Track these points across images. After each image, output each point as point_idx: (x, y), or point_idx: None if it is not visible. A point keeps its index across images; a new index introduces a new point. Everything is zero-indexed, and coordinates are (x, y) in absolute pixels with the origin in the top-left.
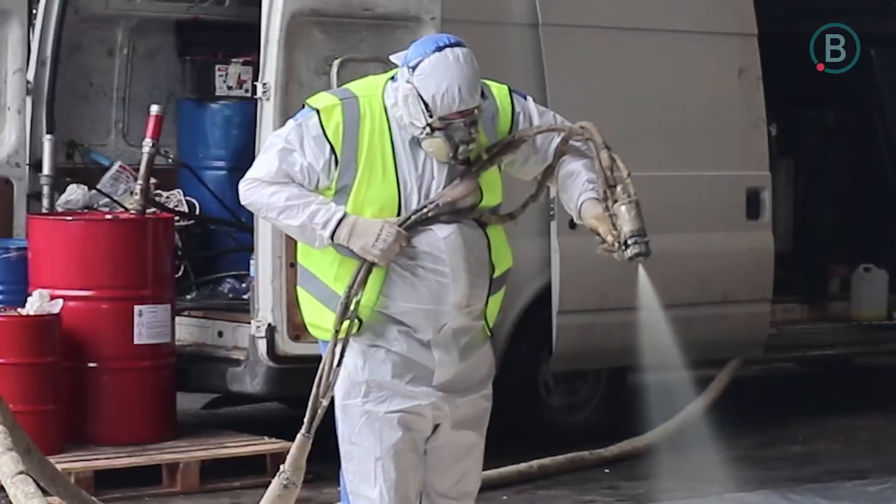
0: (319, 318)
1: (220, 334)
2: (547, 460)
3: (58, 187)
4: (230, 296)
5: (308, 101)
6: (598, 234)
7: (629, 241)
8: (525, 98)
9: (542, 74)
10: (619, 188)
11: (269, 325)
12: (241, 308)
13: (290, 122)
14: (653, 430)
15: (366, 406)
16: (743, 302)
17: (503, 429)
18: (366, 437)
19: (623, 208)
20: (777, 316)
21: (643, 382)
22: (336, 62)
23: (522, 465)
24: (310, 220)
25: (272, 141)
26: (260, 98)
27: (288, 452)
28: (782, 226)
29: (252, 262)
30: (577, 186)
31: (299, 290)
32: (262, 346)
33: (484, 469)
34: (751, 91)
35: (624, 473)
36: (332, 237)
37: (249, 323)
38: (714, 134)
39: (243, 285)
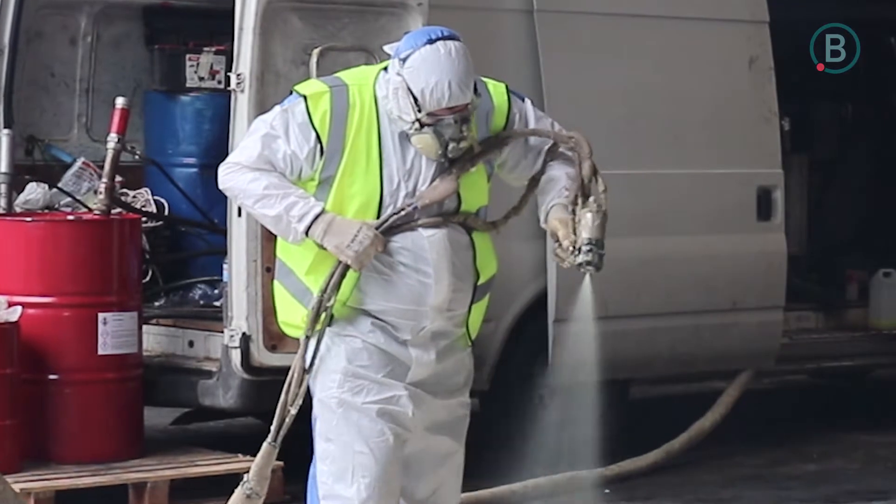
0: (291, 315)
1: (191, 344)
2: (542, 479)
3: (16, 186)
4: (201, 303)
5: (296, 87)
6: (557, 238)
7: (583, 248)
8: (523, 100)
9: (537, 65)
10: (591, 198)
11: (244, 334)
12: (213, 316)
13: (276, 108)
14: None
15: (342, 396)
16: (753, 309)
17: (496, 445)
18: (344, 430)
19: (589, 216)
20: (790, 324)
21: (646, 396)
22: (316, 51)
23: (516, 485)
24: (286, 212)
25: (256, 125)
26: (234, 90)
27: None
28: (796, 227)
29: (225, 266)
30: (552, 191)
31: (275, 284)
32: (235, 356)
33: (476, 488)
34: (762, 82)
35: (625, 494)
36: (306, 232)
37: (222, 332)
38: (722, 129)
39: (216, 291)
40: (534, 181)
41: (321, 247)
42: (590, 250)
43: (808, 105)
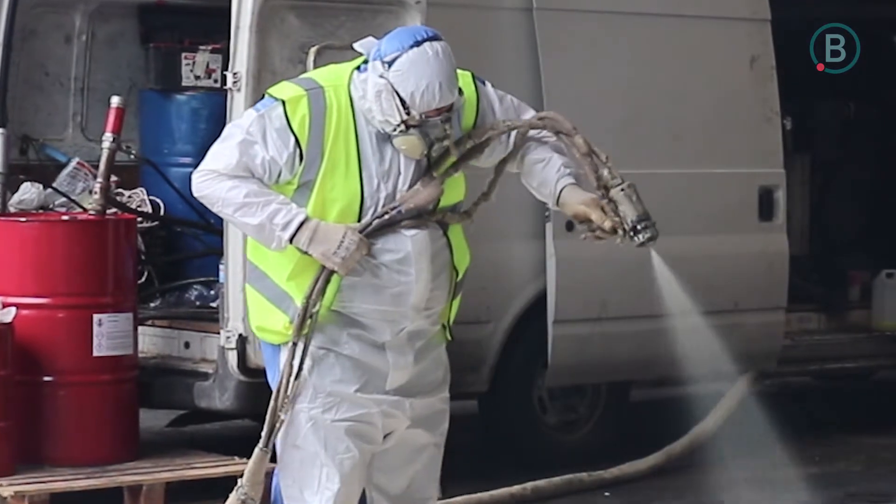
0: (267, 320)
1: (187, 345)
2: (542, 482)
3: (10, 186)
4: (198, 303)
5: (270, 90)
6: (588, 221)
7: (638, 227)
8: (483, 84)
9: (536, 63)
10: (605, 172)
11: (240, 335)
12: (209, 317)
13: (251, 112)
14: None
15: (312, 412)
16: (755, 310)
17: (495, 448)
18: (311, 442)
19: (622, 194)
20: (792, 326)
21: (646, 398)
22: (313, 50)
23: (515, 488)
24: (269, 221)
25: (231, 131)
26: (230, 89)
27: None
28: (797, 228)
29: (221, 266)
30: (552, 172)
31: (247, 288)
32: (232, 358)
33: (474, 491)
34: (764, 81)
35: (625, 497)
36: (291, 240)
37: (218, 333)
38: (724, 128)
39: (212, 292)
40: (501, 164)
41: (304, 253)
42: (645, 227)
43: (810, 104)
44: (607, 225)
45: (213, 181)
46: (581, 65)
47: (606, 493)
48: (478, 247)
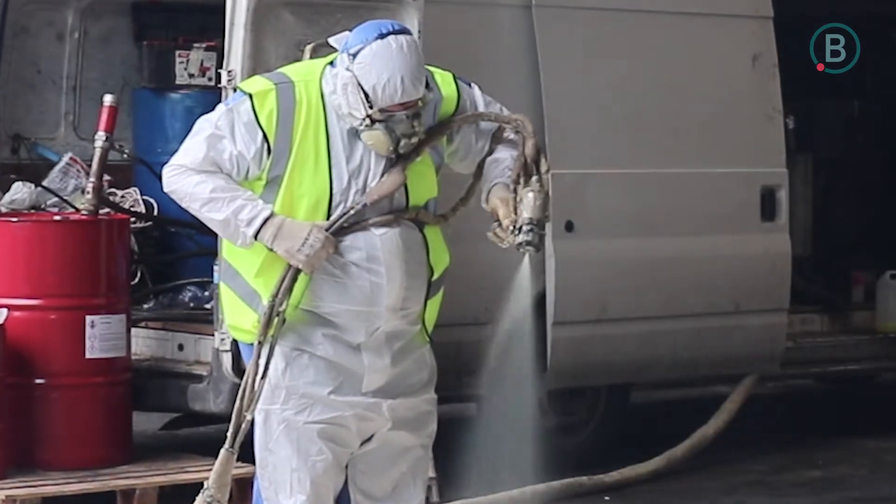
0: (239, 318)
1: (181, 347)
2: (541, 486)
3: (2, 185)
4: (191, 305)
5: (240, 85)
6: (498, 218)
7: (524, 227)
8: (470, 86)
9: (535, 61)
10: (533, 178)
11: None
12: (203, 318)
13: (221, 107)
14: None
15: (284, 413)
16: (757, 312)
17: (494, 450)
18: (283, 445)
19: (530, 195)
20: (794, 327)
21: (647, 401)
22: (308, 47)
23: (515, 492)
24: (234, 216)
25: (201, 126)
26: (224, 87)
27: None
28: (800, 228)
29: (215, 267)
30: (496, 171)
31: (221, 286)
32: (226, 360)
33: (473, 495)
34: (766, 79)
35: (626, 501)
36: (255, 236)
37: (213, 335)
38: (725, 127)
39: (206, 293)
40: (479, 168)
41: (271, 250)
42: (530, 230)
43: (812, 102)
44: (506, 223)
45: (182, 176)
46: (581, 62)
47: (607, 497)
48: (476, 247)
